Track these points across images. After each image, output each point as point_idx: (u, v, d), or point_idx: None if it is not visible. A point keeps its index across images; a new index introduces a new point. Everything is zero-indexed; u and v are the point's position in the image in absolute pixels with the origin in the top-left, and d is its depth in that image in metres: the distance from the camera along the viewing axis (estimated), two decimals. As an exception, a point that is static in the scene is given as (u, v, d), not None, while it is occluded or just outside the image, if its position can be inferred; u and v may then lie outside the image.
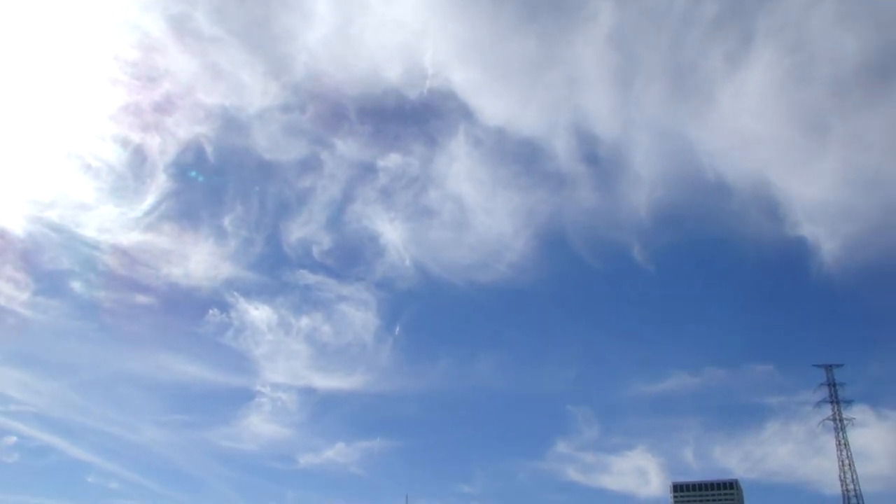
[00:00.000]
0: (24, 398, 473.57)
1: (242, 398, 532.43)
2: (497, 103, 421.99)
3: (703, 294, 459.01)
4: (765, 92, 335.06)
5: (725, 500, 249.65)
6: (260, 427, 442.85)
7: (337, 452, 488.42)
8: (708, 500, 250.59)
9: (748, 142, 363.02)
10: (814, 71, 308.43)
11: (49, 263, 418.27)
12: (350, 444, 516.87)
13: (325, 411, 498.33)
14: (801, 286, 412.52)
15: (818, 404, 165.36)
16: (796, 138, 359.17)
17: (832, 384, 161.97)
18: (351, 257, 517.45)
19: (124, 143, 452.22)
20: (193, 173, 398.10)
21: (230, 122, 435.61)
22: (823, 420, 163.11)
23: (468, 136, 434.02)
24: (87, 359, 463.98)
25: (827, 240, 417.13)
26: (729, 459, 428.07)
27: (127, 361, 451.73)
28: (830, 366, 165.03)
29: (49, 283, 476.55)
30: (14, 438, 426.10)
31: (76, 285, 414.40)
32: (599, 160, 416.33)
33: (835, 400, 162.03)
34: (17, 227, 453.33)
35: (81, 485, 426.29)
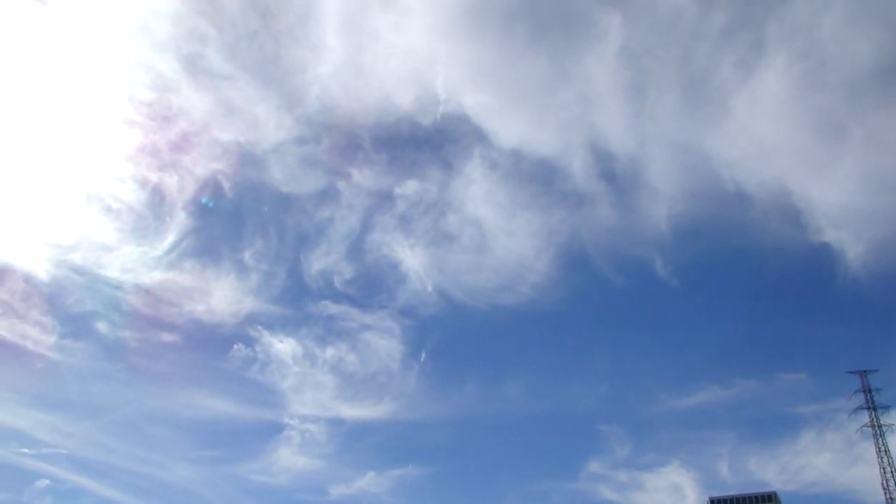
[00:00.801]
0: (54, 441, 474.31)
1: (271, 432, 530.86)
2: (511, 125, 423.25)
3: (728, 306, 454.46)
4: (779, 98, 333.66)
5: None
6: (290, 460, 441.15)
7: (368, 482, 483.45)
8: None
9: (765, 150, 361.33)
10: (827, 74, 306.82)
11: (74, 306, 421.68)
12: (381, 473, 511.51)
13: (354, 441, 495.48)
14: (828, 292, 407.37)
15: (854, 411, 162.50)
16: (814, 143, 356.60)
17: (868, 390, 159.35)
18: (373, 286, 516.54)
19: (143, 183, 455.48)
20: (204, 200, 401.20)
21: (246, 158, 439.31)
22: (861, 427, 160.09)
23: (484, 159, 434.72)
24: (114, 399, 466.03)
25: (852, 244, 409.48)
26: (765, 471, 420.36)
27: (154, 400, 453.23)
28: (865, 371, 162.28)
29: (74, 325, 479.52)
30: (46, 482, 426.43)
31: (101, 326, 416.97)
32: (617, 177, 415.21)
33: (872, 406, 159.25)
34: (41, 271, 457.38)
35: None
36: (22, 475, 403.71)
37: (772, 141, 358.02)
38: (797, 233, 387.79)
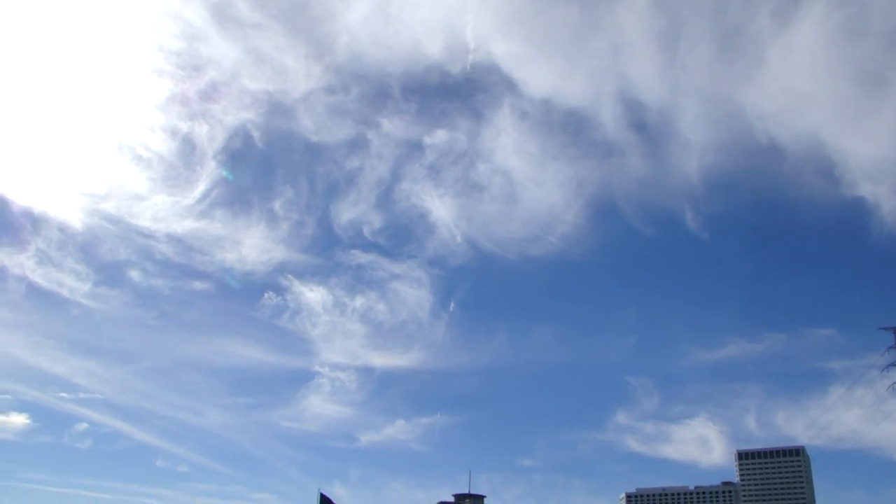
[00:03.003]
0: (91, 386, 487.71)
1: (302, 379, 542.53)
2: (541, 74, 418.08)
3: (758, 259, 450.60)
4: (816, 49, 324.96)
5: (792, 467, 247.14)
6: (320, 407, 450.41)
7: (397, 430, 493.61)
8: (774, 468, 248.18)
9: (800, 102, 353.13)
10: (867, 24, 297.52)
11: (107, 255, 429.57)
12: (410, 420, 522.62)
13: (383, 389, 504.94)
14: (860, 247, 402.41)
15: (886, 368, 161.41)
16: (850, 95, 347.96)
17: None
18: (402, 235, 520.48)
19: (173, 132, 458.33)
20: (225, 172, 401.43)
21: (276, 107, 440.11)
22: (893, 384, 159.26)
23: (514, 109, 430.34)
24: (148, 346, 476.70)
25: (887, 198, 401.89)
26: (793, 426, 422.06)
27: (187, 347, 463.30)
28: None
29: (108, 273, 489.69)
30: (85, 425, 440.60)
31: (134, 274, 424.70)
32: (647, 127, 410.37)
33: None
34: (75, 220, 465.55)
35: (151, 469, 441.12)
36: (63, 418, 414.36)
37: (807, 92, 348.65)
38: (830, 186, 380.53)
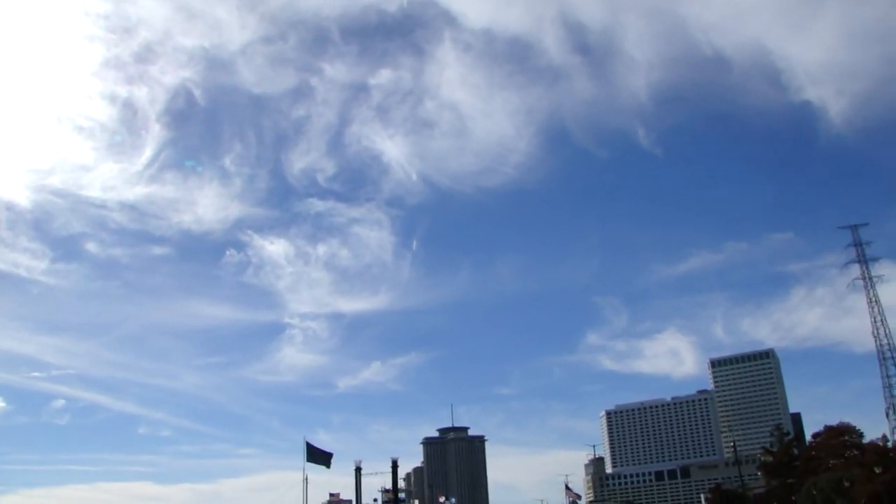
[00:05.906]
0: (62, 362, 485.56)
1: (273, 332, 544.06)
2: (479, 4, 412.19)
3: (713, 171, 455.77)
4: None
5: (763, 370, 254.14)
6: (294, 358, 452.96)
7: (374, 372, 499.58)
8: (746, 372, 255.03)
9: (742, 10, 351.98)
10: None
11: (60, 229, 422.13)
12: (385, 362, 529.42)
13: (355, 334, 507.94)
14: (811, 150, 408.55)
15: (845, 266, 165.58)
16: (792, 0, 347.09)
17: (859, 244, 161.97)
18: (357, 179, 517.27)
19: (112, 98, 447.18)
20: (190, 163, 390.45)
21: (214, 62, 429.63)
22: (853, 280, 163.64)
23: (455, 42, 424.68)
24: (115, 316, 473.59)
25: (834, 101, 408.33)
26: (759, 331, 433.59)
27: (154, 313, 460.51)
28: (856, 226, 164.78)
29: (64, 248, 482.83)
30: (62, 401, 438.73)
31: (91, 246, 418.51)
32: (591, 49, 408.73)
33: (863, 259, 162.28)
34: (22, 198, 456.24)
35: (133, 437, 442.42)
36: (38, 397, 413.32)
37: (749, 0, 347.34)
38: (778, 93, 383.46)
